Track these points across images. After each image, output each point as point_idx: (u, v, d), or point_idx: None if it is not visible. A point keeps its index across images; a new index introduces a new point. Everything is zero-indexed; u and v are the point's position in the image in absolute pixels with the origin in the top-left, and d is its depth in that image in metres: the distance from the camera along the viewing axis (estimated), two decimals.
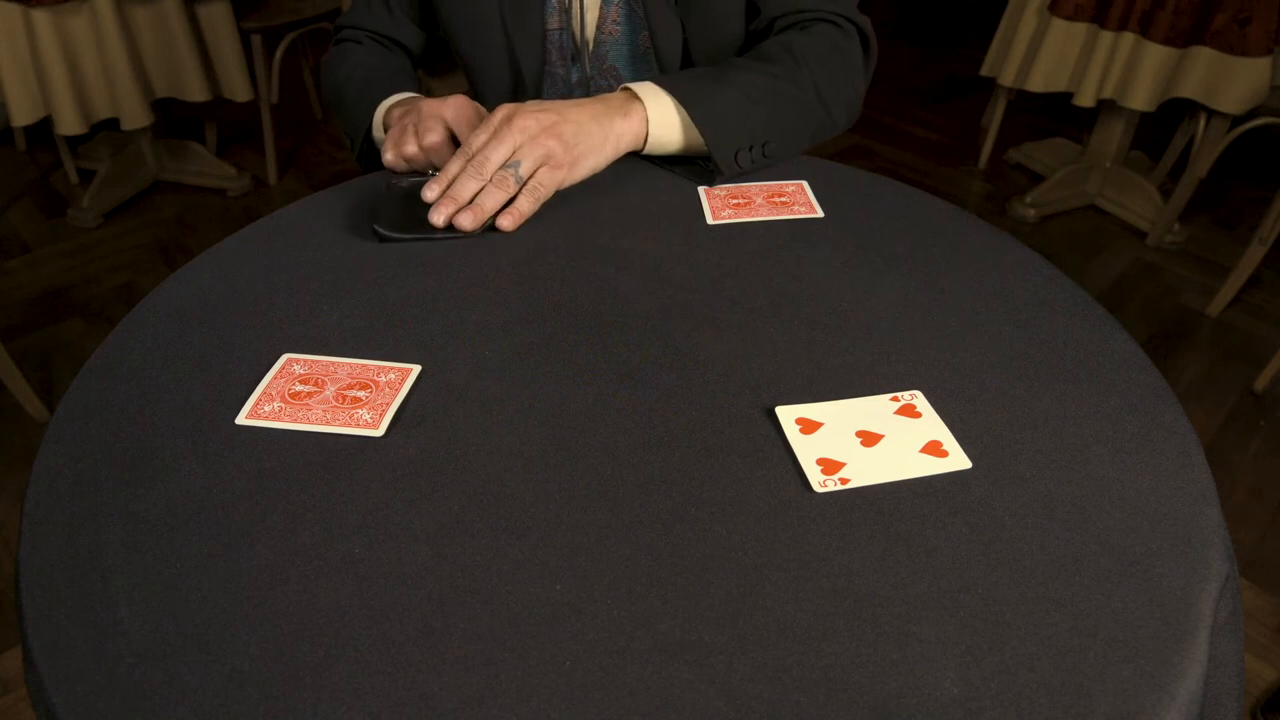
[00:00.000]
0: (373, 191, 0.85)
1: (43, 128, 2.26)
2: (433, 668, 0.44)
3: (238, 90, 2.46)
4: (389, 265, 0.74)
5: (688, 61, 1.00)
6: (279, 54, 2.57)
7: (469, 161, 0.77)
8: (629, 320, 0.68)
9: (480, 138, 0.78)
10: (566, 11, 0.99)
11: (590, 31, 1.01)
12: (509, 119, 0.78)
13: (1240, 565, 0.74)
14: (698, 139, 0.84)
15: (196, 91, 2.36)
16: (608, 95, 0.85)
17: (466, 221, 0.76)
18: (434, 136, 0.85)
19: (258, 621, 0.46)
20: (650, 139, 0.85)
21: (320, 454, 0.56)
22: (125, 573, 0.48)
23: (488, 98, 1.06)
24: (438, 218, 0.76)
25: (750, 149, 0.85)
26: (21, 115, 2.15)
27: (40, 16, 2.03)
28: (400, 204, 0.80)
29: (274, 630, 0.46)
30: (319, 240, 0.78)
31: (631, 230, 0.79)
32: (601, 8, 0.99)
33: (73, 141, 2.54)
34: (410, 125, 0.86)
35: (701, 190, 0.84)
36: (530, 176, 0.78)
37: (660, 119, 0.85)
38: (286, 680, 0.43)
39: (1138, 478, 0.54)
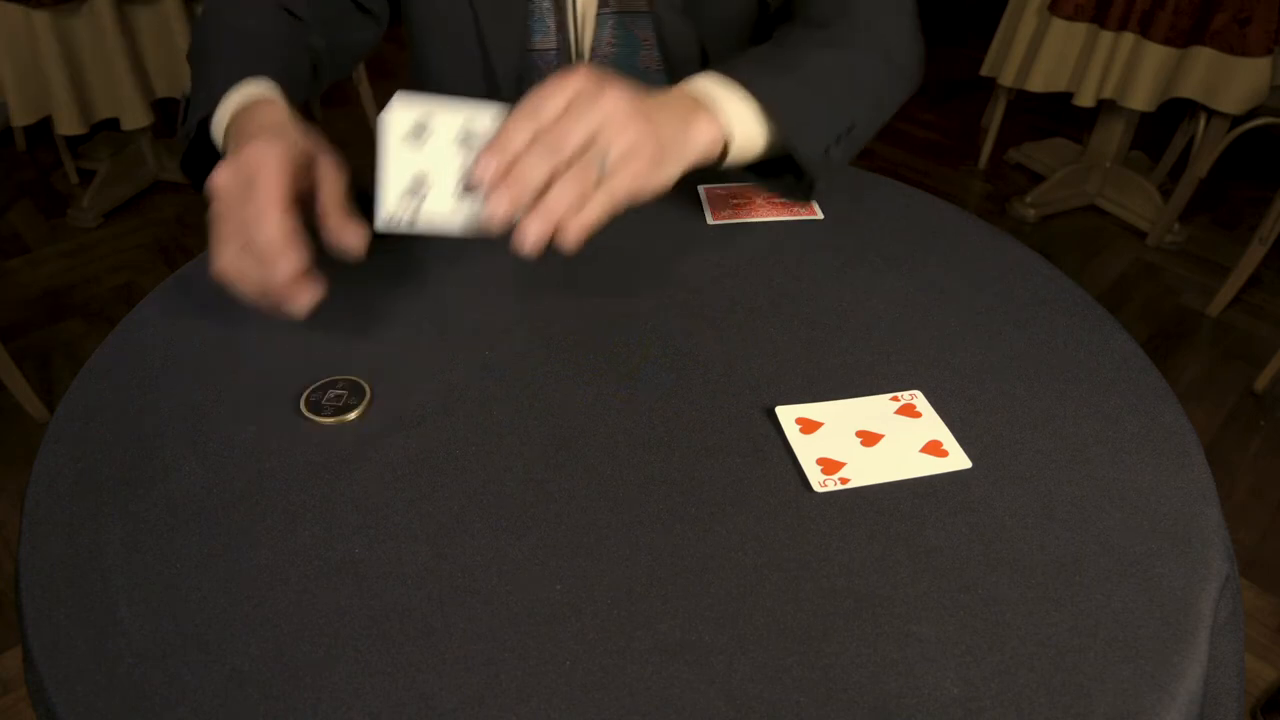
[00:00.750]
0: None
1: (43, 128, 2.26)
2: (433, 668, 0.44)
3: None
4: (388, 264, 0.74)
5: (705, 67, 0.93)
6: None
7: (541, 131, 0.56)
8: (629, 320, 0.68)
9: (555, 101, 0.57)
10: (562, 30, 0.90)
11: (585, 55, 0.93)
12: (593, 90, 0.57)
13: (1240, 565, 0.74)
14: (778, 143, 0.71)
15: None
16: (669, 93, 0.67)
17: (534, 230, 0.54)
18: (270, 228, 0.55)
19: (258, 621, 0.46)
20: (732, 150, 0.68)
21: (320, 454, 0.56)
22: (125, 573, 0.48)
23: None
24: (498, 207, 0.54)
25: (838, 140, 0.72)
26: (21, 115, 2.15)
27: (40, 17, 2.03)
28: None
29: (274, 630, 0.46)
30: (319, 238, 0.78)
31: (631, 230, 0.79)
32: (594, 30, 0.92)
33: (73, 141, 2.54)
34: (247, 208, 0.56)
35: (702, 190, 0.84)
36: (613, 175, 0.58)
37: (742, 125, 0.68)
38: (286, 680, 0.43)
39: (1138, 478, 0.54)
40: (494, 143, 0.55)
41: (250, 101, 0.67)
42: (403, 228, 0.48)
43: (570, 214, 0.55)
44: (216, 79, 0.70)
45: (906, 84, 0.81)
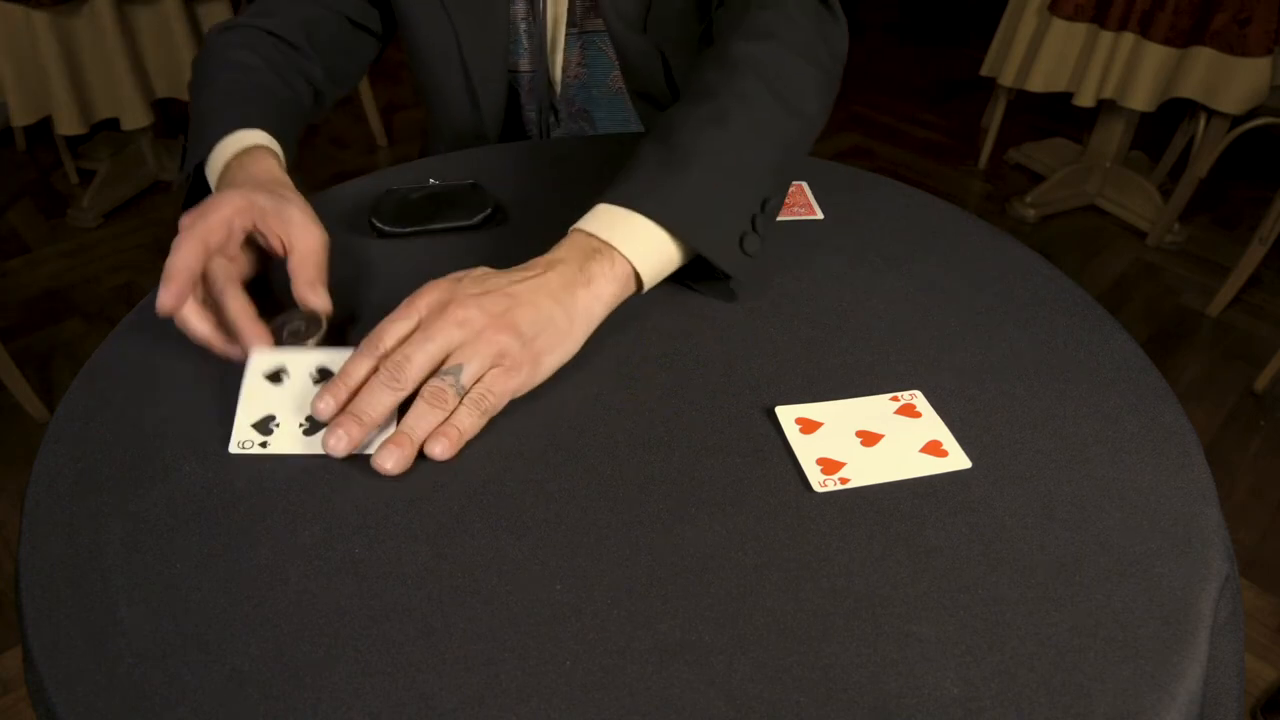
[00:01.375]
0: (372, 192, 0.85)
1: (43, 128, 2.26)
2: (433, 668, 0.44)
3: None
4: (388, 265, 0.74)
5: (671, 86, 0.92)
6: None
7: (381, 360, 0.55)
8: (629, 320, 0.67)
9: (397, 327, 0.56)
10: (540, 52, 0.91)
11: (558, 75, 0.95)
12: (440, 306, 0.56)
13: (1240, 565, 0.74)
14: (690, 252, 0.66)
15: None
16: (556, 253, 0.61)
17: (389, 462, 0.52)
18: (174, 257, 0.59)
19: (258, 621, 0.46)
20: (646, 281, 0.64)
21: (320, 454, 0.56)
22: (125, 573, 0.48)
23: (444, 133, 0.96)
24: (338, 445, 0.53)
25: (753, 224, 0.66)
26: (21, 115, 2.15)
27: (40, 16, 2.03)
28: (401, 203, 0.80)
29: (274, 630, 0.46)
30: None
31: None
32: (564, 52, 0.93)
33: (73, 141, 2.54)
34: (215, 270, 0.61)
35: None
36: (474, 383, 0.55)
37: (647, 253, 0.63)
38: (286, 680, 0.43)
39: (1138, 478, 0.54)
40: (335, 379, 0.55)
41: (243, 149, 0.69)
42: (254, 451, 0.53)
43: (435, 433, 0.54)
44: (211, 124, 0.71)
45: (811, 125, 0.72)
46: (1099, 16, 2.16)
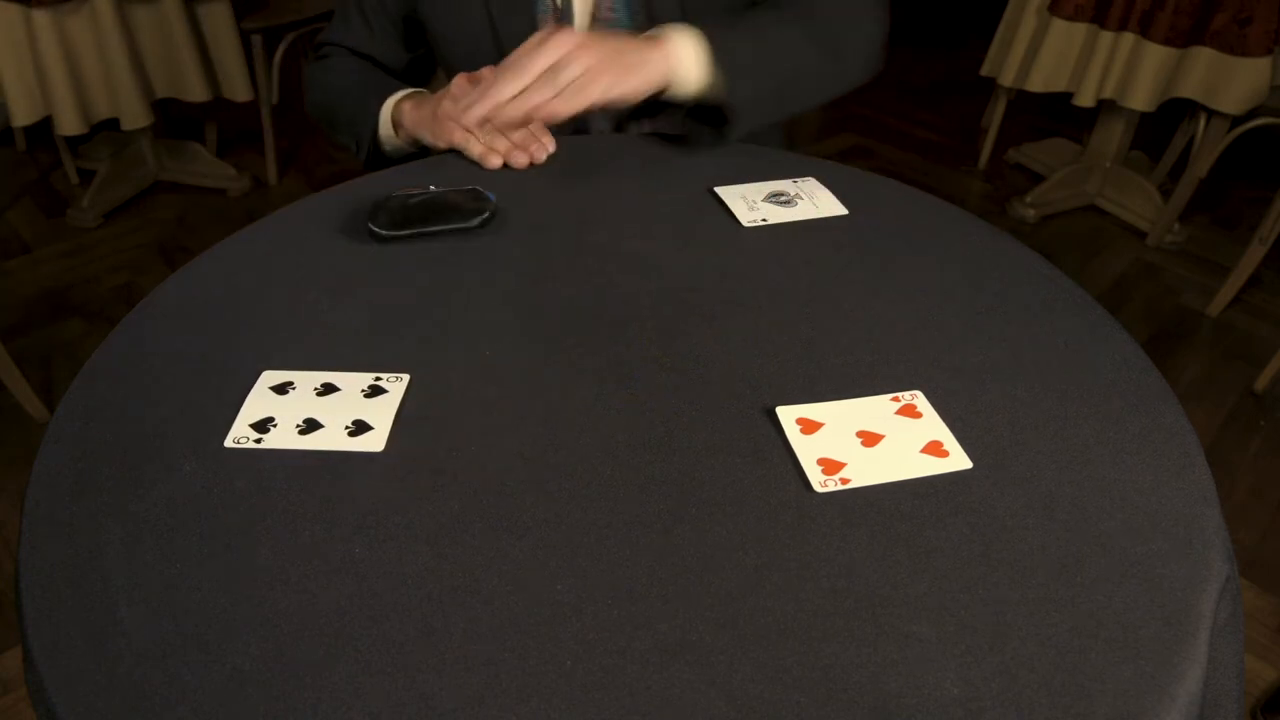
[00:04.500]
0: (371, 195, 0.85)
1: (43, 128, 2.25)
2: (433, 668, 0.44)
3: (238, 90, 2.46)
4: (389, 265, 0.74)
5: None
6: (279, 54, 2.57)
7: (508, 67, 0.75)
8: (629, 320, 0.68)
9: (527, 48, 0.76)
10: (557, 4, 0.99)
11: (585, 21, 1.00)
12: (552, 32, 0.76)
13: (1240, 565, 0.74)
14: (719, 82, 0.84)
15: (197, 91, 2.36)
16: (635, 37, 0.84)
17: (511, 111, 0.74)
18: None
19: (258, 621, 0.46)
20: (674, 76, 0.84)
21: (320, 454, 0.56)
22: (125, 573, 0.48)
23: None
24: (471, 116, 0.75)
25: (769, 97, 0.86)
26: (21, 115, 2.15)
27: (40, 16, 2.03)
28: (399, 208, 0.79)
29: (274, 630, 0.46)
30: (319, 241, 0.78)
31: (630, 230, 0.79)
32: None
33: (73, 141, 2.54)
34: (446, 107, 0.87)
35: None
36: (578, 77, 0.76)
37: (684, 55, 0.83)
38: (286, 680, 0.43)
39: (1138, 478, 0.54)
40: (481, 91, 0.75)
41: (407, 93, 0.96)
42: (248, 446, 0.57)
43: (540, 111, 0.75)
44: (379, 94, 0.97)
45: (846, 76, 0.92)
46: (1099, 16, 2.16)
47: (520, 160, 0.87)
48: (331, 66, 1.06)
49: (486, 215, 0.78)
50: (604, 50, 0.78)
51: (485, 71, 0.83)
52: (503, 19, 0.98)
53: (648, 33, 0.85)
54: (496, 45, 0.99)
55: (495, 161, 0.87)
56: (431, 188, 0.82)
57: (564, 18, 0.99)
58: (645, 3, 0.97)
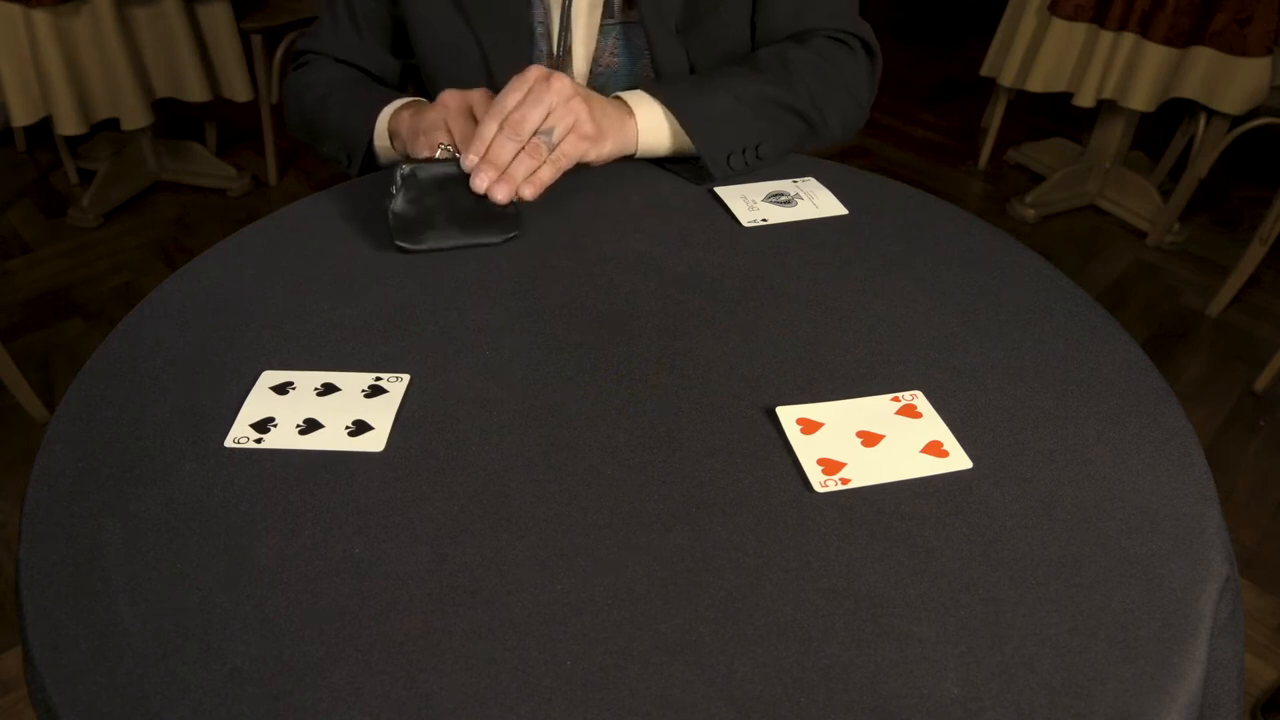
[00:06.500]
0: (382, 191, 0.83)
1: (43, 128, 2.25)
2: (433, 668, 0.44)
3: (238, 90, 2.46)
4: (389, 266, 0.74)
5: None
6: (279, 54, 2.57)
7: (505, 122, 0.75)
8: (629, 320, 0.68)
9: (514, 96, 0.76)
10: (554, 53, 0.96)
11: (584, 66, 0.98)
12: (545, 78, 0.77)
13: (1240, 565, 0.74)
14: (687, 143, 0.85)
15: (197, 91, 2.36)
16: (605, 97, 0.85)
17: (501, 194, 0.74)
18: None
19: (258, 621, 0.46)
20: (640, 145, 0.86)
21: (320, 454, 0.56)
22: (125, 573, 0.48)
23: None
24: (481, 183, 0.74)
25: (743, 151, 0.86)
26: (21, 115, 2.15)
27: (40, 16, 2.03)
28: (415, 207, 0.76)
29: (274, 630, 0.46)
30: (319, 241, 0.78)
31: (631, 230, 0.79)
32: (599, 40, 0.97)
33: (73, 141, 2.54)
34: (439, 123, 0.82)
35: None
36: (558, 143, 0.78)
37: (649, 125, 0.86)
38: (286, 680, 0.43)
39: (1138, 478, 0.54)
40: (475, 137, 0.75)
41: (397, 108, 0.91)
42: (248, 445, 0.57)
43: (526, 178, 0.76)
44: (373, 103, 0.93)
45: (827, 133, 0.93)
46: (1099, 16, 2.16)
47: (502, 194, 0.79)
48: (314, 73, 1.01)
49: (512, 235, 0.77)
50: (582, 100, 0.78)
51: (477, 97, 0.82)
52: (498, 59, 0.95)
53: (616, 94, 0.86)
54: (490, 83, 0.94)
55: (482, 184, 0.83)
56: (455, 153, 0.78)
57: (562, 67, 0.97)
58: (648, 49, 0.95)
